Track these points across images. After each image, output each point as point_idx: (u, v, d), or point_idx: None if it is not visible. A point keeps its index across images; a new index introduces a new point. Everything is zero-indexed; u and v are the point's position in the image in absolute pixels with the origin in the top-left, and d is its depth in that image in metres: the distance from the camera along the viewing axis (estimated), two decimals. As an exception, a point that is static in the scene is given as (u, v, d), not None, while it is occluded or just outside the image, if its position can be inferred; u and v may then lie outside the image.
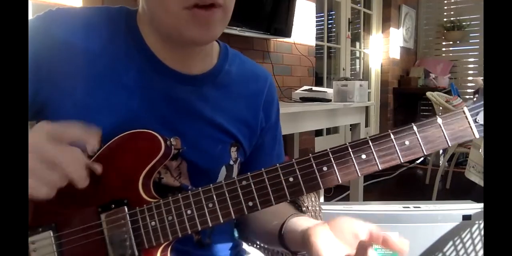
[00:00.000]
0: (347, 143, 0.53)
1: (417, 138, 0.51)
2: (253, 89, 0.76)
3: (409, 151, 0.51)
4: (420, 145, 0.51)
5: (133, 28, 0.66)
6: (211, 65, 0.71)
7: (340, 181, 0.53)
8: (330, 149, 0.54)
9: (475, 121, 0.50)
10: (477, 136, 0.50)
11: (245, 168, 0.76)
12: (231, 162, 0.72)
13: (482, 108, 0.50)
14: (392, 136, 0.52)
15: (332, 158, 0.53)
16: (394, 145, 0.51)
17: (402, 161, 0.51)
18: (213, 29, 0.60)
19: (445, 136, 0.51)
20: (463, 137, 0.51)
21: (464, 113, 0.50)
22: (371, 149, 0.52)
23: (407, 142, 0.51)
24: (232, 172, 0.73)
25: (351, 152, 0.53)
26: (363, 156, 0.52)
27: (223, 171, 0.71)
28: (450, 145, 0.50)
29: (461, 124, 0.51)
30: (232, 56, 0.75)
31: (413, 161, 4.46)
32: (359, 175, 0.52)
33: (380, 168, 0.52)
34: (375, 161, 0.52)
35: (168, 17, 0.59)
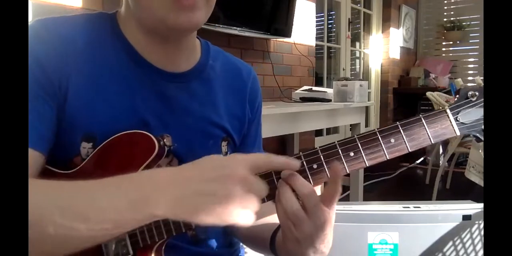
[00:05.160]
0: (336, 142, 0.55)
1: (402, 136, 0.54)
2: (238, 83, 0.79)
3: (395, 149, 0.54)
4: (405, 143, 0.54)
5: (118, 32, 0.67)
6: (195, 61, 0.73)
7: None
8: (320, 147, 0.55)
9: (456, 119, 0.54)
10: (458, 133, 0.53)
11: None
12: None
13: (463, 107, 0.53)
14: (378, 135, 0.54)
15: (321, 156, 0.55)
16: (380, 143, 0.54)
17: (388, 158, 0.54)
18: (198, 14, 0.60)
19: (428, 134, 0.54)
20: (445, 135, 0.54)
21: (446, 112, 0.54)
22: (359, 147, 0.54)
23: (392, 140, 0.54)
24: None
25: (339, 150, 0.54)
26: (351, 154, 0.54)
27: None
28: (433, 142, 0.53)
29: (443, 122, 0.54)
30: (214, 52, 0.77)
31: (413, 161, 4.47)
32: (347, 172, 0.54)
33: (367, 165, 0.54)
34: (363, 158, 0.54)
35: (152, 4, 0.58)
